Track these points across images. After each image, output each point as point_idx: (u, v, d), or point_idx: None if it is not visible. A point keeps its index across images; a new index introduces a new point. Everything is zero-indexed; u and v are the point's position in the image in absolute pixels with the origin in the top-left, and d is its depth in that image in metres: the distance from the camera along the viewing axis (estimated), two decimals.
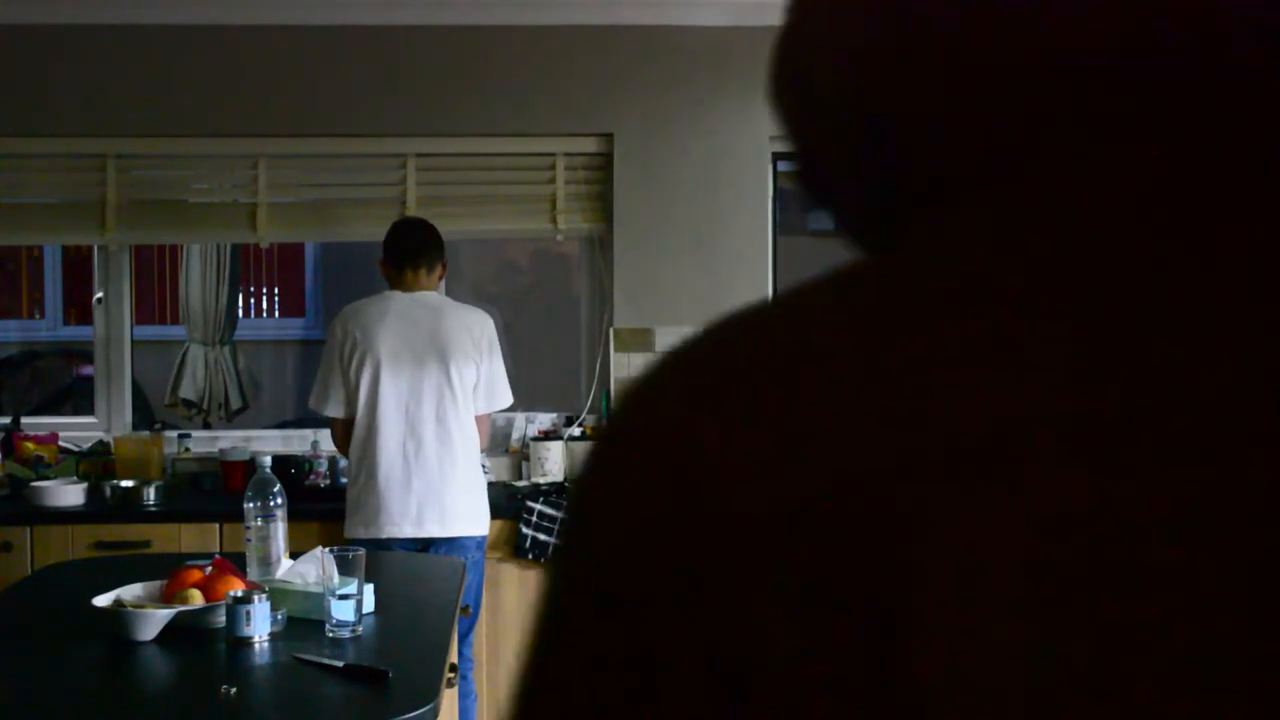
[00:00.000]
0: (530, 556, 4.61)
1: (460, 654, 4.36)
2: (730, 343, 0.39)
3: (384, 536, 4.22)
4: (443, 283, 4.59)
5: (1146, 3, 0.37)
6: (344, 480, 5.04)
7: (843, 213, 0.45)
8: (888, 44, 0.40)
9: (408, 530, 4.25)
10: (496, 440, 5.29)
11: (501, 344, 4.50)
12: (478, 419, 4.43)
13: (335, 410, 4.37)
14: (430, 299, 4.43)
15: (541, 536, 4.62)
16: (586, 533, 0.38)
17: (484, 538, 4.40)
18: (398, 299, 4.40)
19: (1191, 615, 0.31)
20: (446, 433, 4.31)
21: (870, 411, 0.35)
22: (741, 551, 0.34)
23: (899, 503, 0.33)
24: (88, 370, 6.65)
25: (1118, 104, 0.37)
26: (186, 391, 5.84)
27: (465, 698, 4.42)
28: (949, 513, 0.33)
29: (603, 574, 0.37)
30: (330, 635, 2.87)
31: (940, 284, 0.37)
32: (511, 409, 5.38)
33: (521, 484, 5.10)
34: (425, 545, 4.19)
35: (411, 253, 4.45)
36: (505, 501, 4.76)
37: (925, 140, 0.40)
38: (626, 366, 5.19)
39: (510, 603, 4.63)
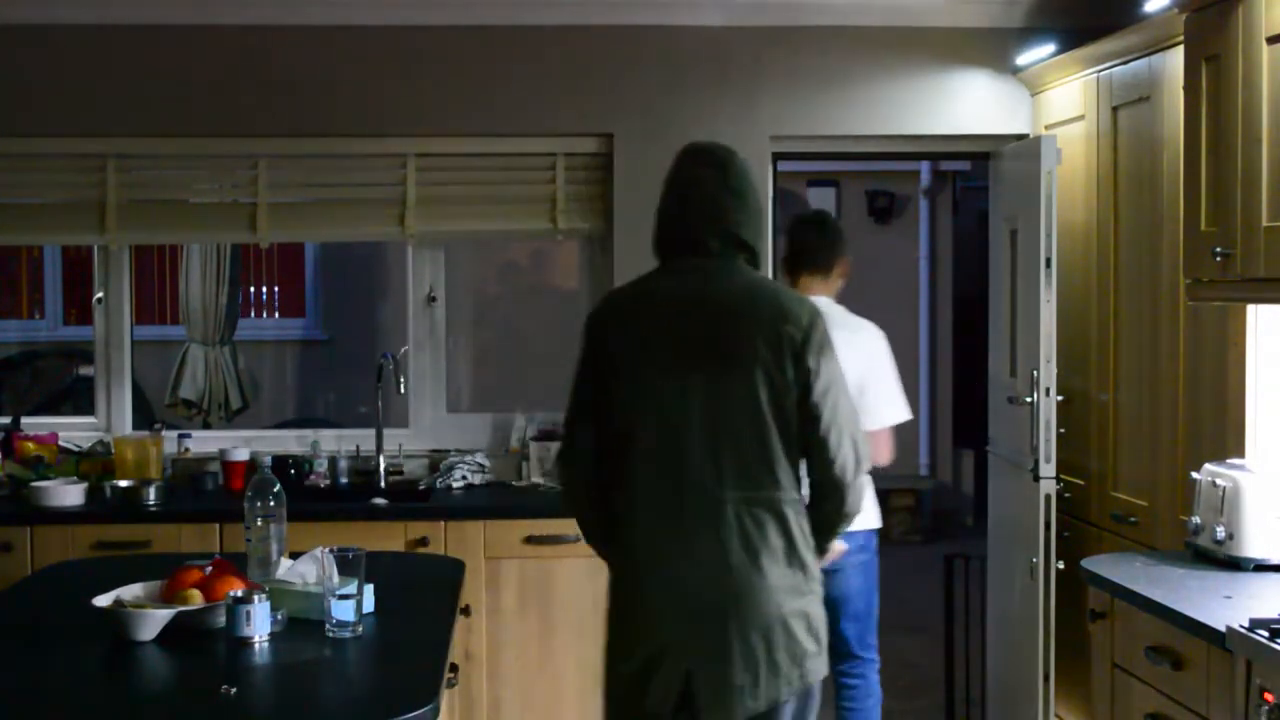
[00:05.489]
0: None
1: (866, 644, 4.32)
2: (615, 289, 3.16)
3: None
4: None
5: (687, 227, 2.97)
6: (334, 481, 5.05)
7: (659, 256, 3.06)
8: (659, 226, 3.04)
9: None
10: (496, 440, 5.29)
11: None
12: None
13: None
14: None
15: None
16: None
17: (871, 533, 4.21)
18: None
19: (649, 352, 2.91)
20: None
21: (615, 301, 3.07)
22: (591, 335, 2.99)
23: (604, 320, 3.02)
24: (88, 370, 6.65)
25: (672, 252, 3.00)
26: (186, 391, 5.85)
27: (868, 697, 4.34)
28: (618, 322, 2.99)
29: (584, 335, 3.02)
30: (330, 635, 2.87)
31: (648, 283, 3.01)
32: (510, 409, 5.40)
33: (521, 484, 5.10)
34: None
35: (790, 256, 4.35)
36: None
37: (661, 250, 3.02)
38: None
39: (510, 603, 4.64)
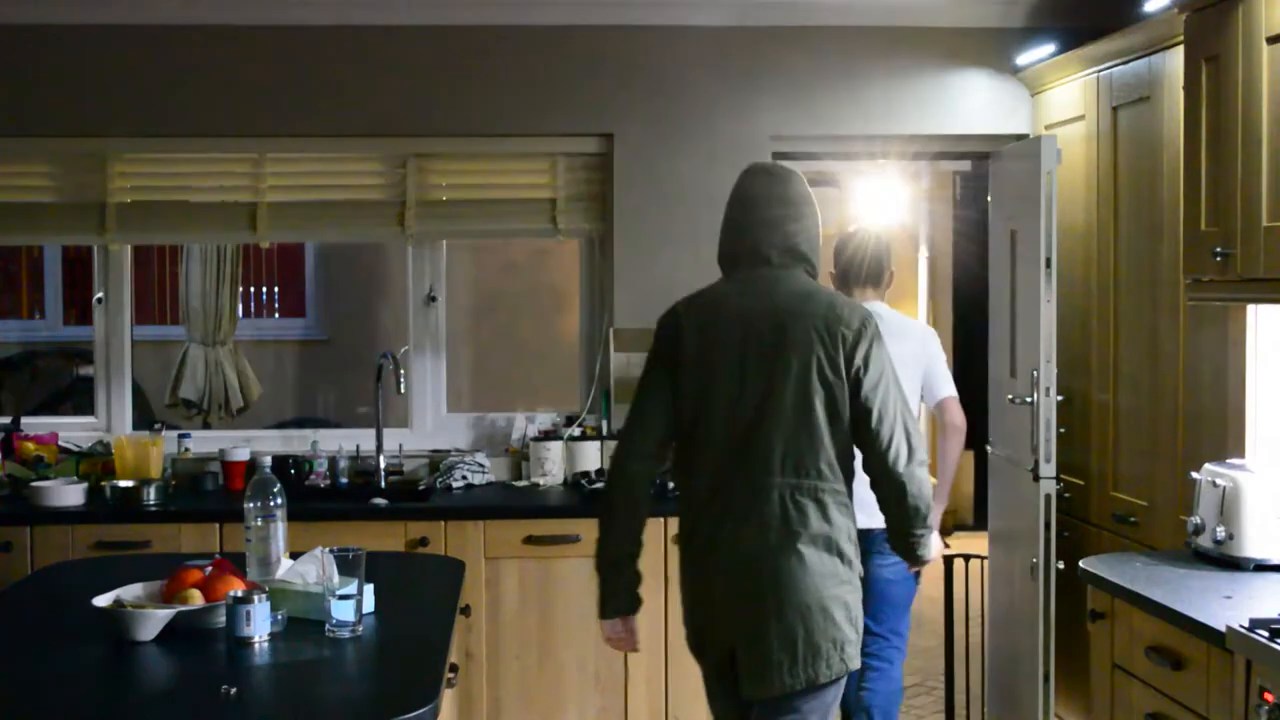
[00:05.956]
0: None
1: (898, 632, 4.47)
2: (684, 297, 3.29)
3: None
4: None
5: (748, 241, 3.21)
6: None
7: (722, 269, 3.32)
8: (723, 242, 3.29)
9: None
10: (496, 440, 5.29)
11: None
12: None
13: None
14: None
15: None
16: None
17: None
18: None
19: (715, 353, 3.15)
20: None
21: (685, 306, 3.26)
22: (662, 336, 3.24)
23: (677, 323, 3.23)
24: (88, 370, 6.65)
25: (737, 264, 3.24)
26: (186, 391, 5.85)
27: (891, 684, 4.46)
28: (689, 325, 3.20)
29: (654, 337, 3.28)
30: (330, 635, 2.87)
31: (715, 290, 3.26)
32: (510, 409, 5.40)
33: (521, 484, 5.10)
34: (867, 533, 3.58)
35: (840, 273, 4.62)
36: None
37: (725, 262, 3.28)
38: (626, 366, 5.18)
39: (510, 602, 4.64)
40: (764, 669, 3.03)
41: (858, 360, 3.08)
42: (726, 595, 3.08)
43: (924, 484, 3.12)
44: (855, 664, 3.10)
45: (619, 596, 3.21)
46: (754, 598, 3.04)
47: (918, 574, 4.22)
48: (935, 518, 4.12)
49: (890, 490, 3.10)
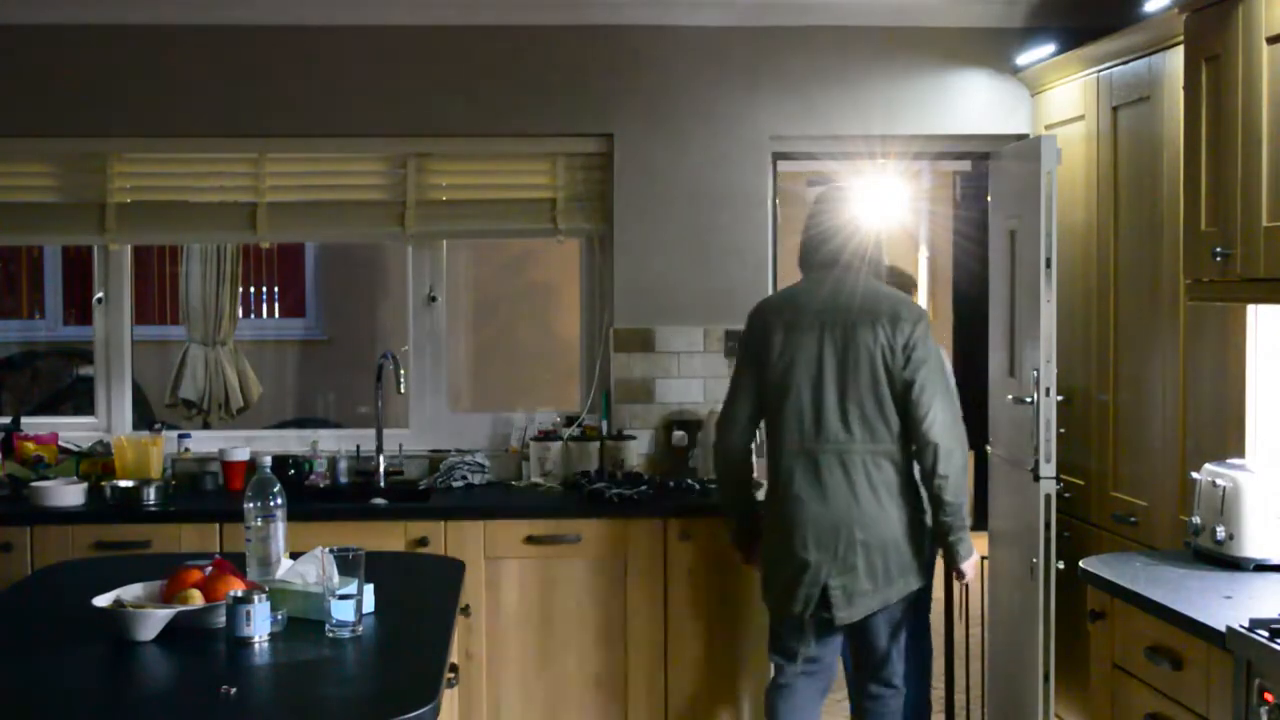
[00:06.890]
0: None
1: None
2: (768, 296, 4.45)
3: None
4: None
5: (823, 247, 4.02)
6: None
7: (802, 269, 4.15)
8: (803, 249, 4.07)
9: None
10: (496, 440, 5.29)
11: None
12: None
13: None
14: None
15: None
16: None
17: None
18: None
19: (797, 339, 3.94)
20: None
21: (770, 302, 4.12)
22: (751, 327, 4.04)
23: (764, 316, 4.05)
24: (88, 370, 6.65)
25: (814, 266, 4.03)
26: (186, 391, 5.84)
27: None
28: (774, 317, 3.98)
29: (745, 329, 4.11)
30: (330, 635, 2.87)
31: (794, 289, 4.05)
32: (510, 409, 5.40)
33: (521, 484, 5.10)
34: None
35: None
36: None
37: (804, 265, 4.06)
38: (626, 366, 5.18)
39: (510, 603, 4.64)
40: (855, 598, 3.86)
41: (911, 345, 3.84)
42: (821, 545, 3.85)
43: (956, 460, 3.83)
44: (917, 584, 3.93)
45: (743, 533, 4.16)
46: (847, 544, 3.83)
47: (964, 586, 4.34)
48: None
49: (925, 454, 3.84)
